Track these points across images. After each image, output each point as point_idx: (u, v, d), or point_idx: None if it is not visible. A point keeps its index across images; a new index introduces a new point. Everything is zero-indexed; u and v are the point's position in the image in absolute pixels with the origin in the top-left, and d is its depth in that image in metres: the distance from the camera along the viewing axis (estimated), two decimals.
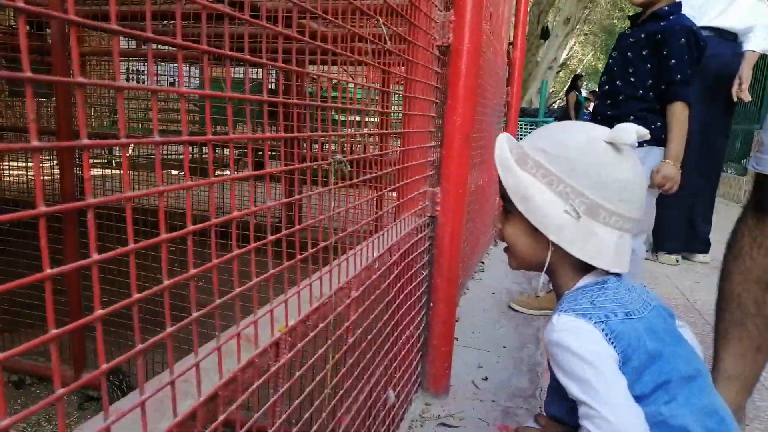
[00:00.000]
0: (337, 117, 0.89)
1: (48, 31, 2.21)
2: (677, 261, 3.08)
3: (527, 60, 8.53)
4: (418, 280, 1.26)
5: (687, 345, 0.80)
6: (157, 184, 0.42)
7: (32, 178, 2.97)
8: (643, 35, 1.75)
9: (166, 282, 0.43)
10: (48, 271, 0.33)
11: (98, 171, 3.44)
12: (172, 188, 0.43)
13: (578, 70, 20.66)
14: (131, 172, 3.38)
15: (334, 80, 0.83)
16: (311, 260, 0.65)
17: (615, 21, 18.52)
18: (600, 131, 0.79)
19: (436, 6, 1.18)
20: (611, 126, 1.91)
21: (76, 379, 1.67)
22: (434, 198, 1.30)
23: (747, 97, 2.87)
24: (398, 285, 1.10)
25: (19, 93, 3.19)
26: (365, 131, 1.04)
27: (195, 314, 0.46)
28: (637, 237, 1.83)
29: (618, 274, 0.80)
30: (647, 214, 1.88)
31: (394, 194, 1.17)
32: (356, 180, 0.84)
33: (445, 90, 1.27)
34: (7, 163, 3.09)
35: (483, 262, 2.86)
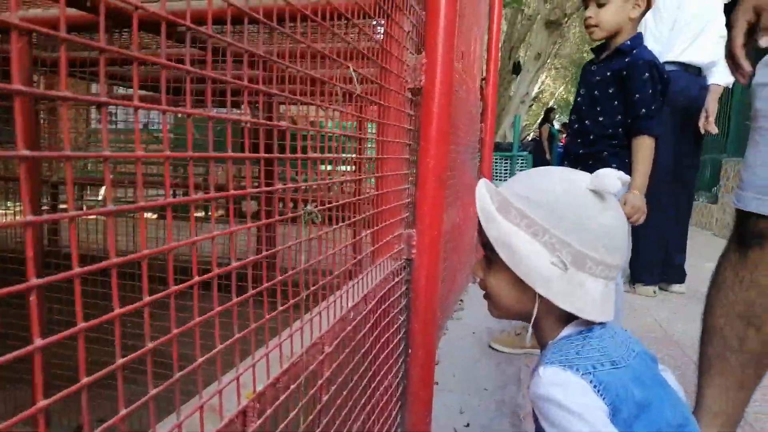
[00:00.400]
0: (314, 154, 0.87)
1: None
2: (654, 292, 3.10)
3: (500, 95, 8.70)
4: (396, 326, 1.23)
5: (672, 390, 0.78)
6: (109, 255, 0.40)
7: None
8: (608, 73, 1.75)
9: (120, 361, 0.40)
10: None
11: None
12: (125, 260, 0.41)
13: (550, 103, 21.17)
14: (102, 219, 3.32)
15: (311, 122, 0.82)
16: (285, 309, 0.62)
17: (584, 55, 19.08)
18: (582, 178, 0.78)
19: (407, 49, 1.18)
20: (585, 164, 1.91)
21: None
22: (410, 240, 1.28)
23: (714, 130, 2.96)
24: (375, 333, 1.07)
25: None
26: (340, 178, 1.03)
27: (153, 391, 0.43)
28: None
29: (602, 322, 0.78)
30: None
31: (369, 237, 1.15)
32: (332, 228, 0.82)
33: (417, 131, 1.26)
34: None
35: (462, 300, 2.84)
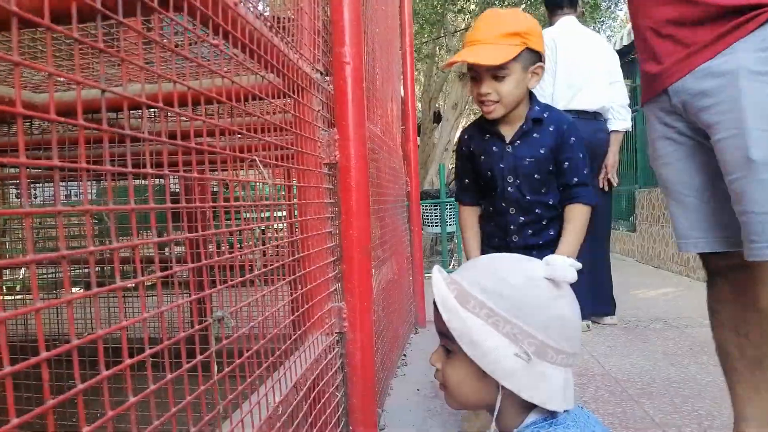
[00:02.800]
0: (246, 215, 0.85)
1: None
2: (588, 327, 3.18)
3: (425, 143, 8.93)
4: (333, 405, 1.20)
5: None
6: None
7: None
8: (542, 150, 1.48)
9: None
10: None
11: None
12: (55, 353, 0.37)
13: None
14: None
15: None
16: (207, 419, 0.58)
17: None
18: (537, 267, 0.79)
19: (318, 126, 1.19)
20: (523, 230, 1.68)
21: None
22: (341, 314, 1.26)
23: (615, 181, 3.20)
24: (309, 420, 1.03)
25: None
26: (264, 266, 1.00)
27: None
28: None
29: None
30: None
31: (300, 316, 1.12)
32: (257, 320, 0.79)
33: (338, 204, 1.26)
34: None
35: (405, 355, 2.81)
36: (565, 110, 3.06)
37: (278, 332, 0.91)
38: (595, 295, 3.25)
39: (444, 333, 0.80)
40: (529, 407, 0.78)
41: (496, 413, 0.77)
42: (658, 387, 2.22)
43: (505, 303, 0.75)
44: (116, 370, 0.42)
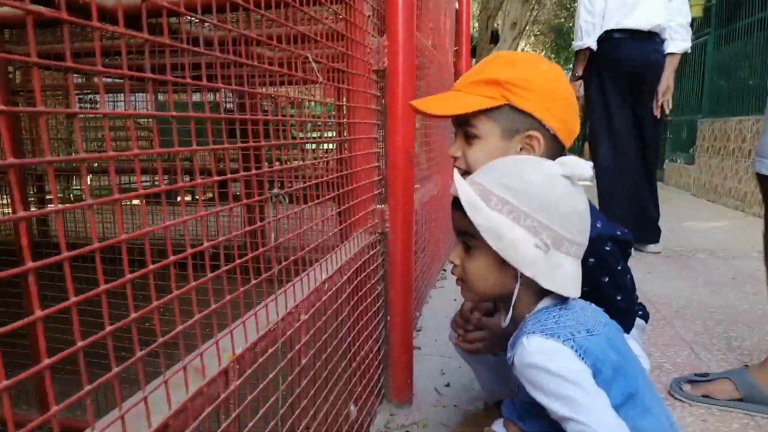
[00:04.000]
0: (295, 134, 0.93)
1: None
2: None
3: None
4: (374, 295, 1.31)
5: (637, 360, 0.86)
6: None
7: None
8: None
9: (108, 328, 0.46)
10: None
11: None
12: (130, 237, 0.47)
13: None
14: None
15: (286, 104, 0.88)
16: (258, 282, 0.69)
17: (563, 20, 18.99)
18: (555, 166, 0.84)
19: (369, 32, 1.23)
20: None
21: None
22: (383, 215, 1.35)
23: (668, 107, 3.04)
24: (352, 303, 1.14)
25: None
26: (312, 159, 1.09)
27: (139, 353, 0.50)
28: None
29: None
30: None
31: (344, 213, 1.22)
32: (307, 205, 0.88)
33: (385, 111, 1.32)
34: None
35: (445, 270, 2.93)
36: (616, 29, 2.92)
37: (324, 220, 1.01)
38: (639, 222, 3.22)
39: (464, 231, 0.87)
40: (541, 296, 0.86)
41: (514, 300, 0.86)
42: (693, 311, 2.26)
43: (525, 199, 0.81)
44: (182, 257, 0.52)
